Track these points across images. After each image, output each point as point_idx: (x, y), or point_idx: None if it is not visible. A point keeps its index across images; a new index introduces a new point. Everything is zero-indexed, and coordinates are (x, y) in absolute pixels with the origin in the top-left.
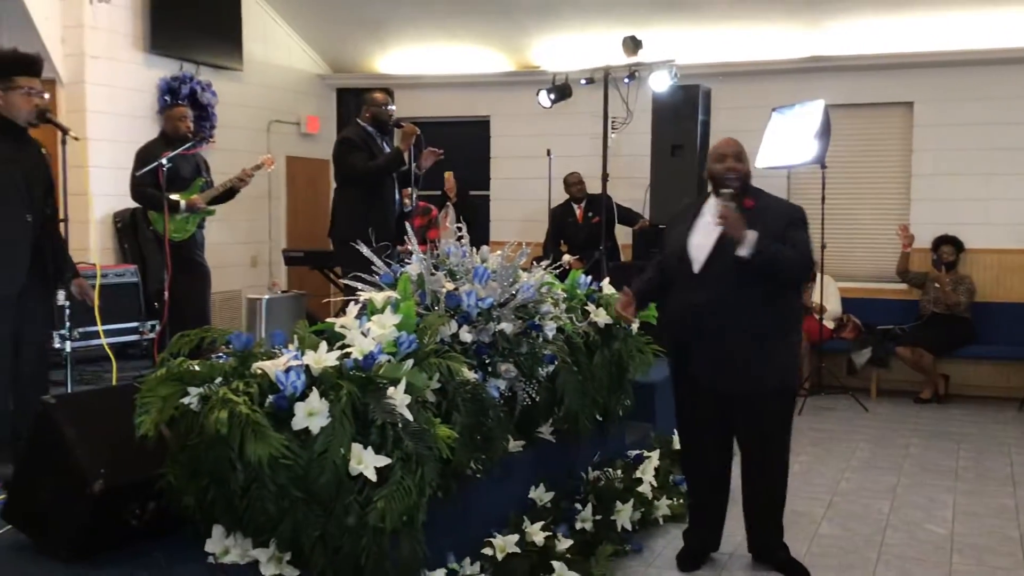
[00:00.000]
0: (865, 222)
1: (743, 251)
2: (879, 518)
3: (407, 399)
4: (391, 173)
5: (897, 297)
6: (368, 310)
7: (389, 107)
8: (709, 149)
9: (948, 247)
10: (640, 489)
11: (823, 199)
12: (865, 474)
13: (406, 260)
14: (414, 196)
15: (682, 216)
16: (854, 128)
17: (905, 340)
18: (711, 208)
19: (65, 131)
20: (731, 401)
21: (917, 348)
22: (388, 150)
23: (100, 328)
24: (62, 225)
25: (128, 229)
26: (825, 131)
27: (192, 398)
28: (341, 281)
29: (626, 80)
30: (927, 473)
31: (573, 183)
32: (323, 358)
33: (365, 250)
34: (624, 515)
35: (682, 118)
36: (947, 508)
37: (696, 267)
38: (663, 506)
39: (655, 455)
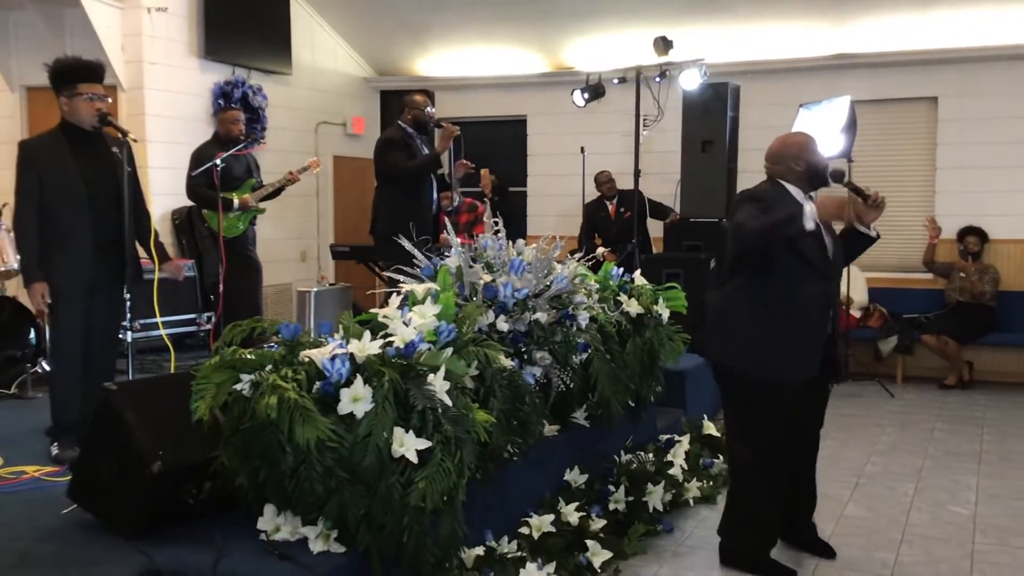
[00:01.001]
0: (891, 214)
1: (874, 232)
2: (904, 500)
3: (446, 385)
4: (429, 173)
5: (922, 286)
6: (410, 301)
7: (429, 109)
8: (795, 143)
9: (973, 238)
10: (671, 472)
11: None
12: (891, 457)
13: (445, 253)
14: (455, 195)
15: (787, 206)
16: (880, 123)
17: (930, 328)
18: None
19: (125, 134)
20: (819, 388)
21: (942, 336)
22: (427, 150)
23: (159, 320)
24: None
25: (185, 226)
26: (851, 126)
27: (244, 384)
28: (384, 274)
29: (657, 79)
30: (951, 456)
31: (603, 182)
32: (367, 346)
33: (407, 244)
34: (655, 496)
35: (712, 115)
36: (970, 490)
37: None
38: (693, 488)
39: (685, 439)
